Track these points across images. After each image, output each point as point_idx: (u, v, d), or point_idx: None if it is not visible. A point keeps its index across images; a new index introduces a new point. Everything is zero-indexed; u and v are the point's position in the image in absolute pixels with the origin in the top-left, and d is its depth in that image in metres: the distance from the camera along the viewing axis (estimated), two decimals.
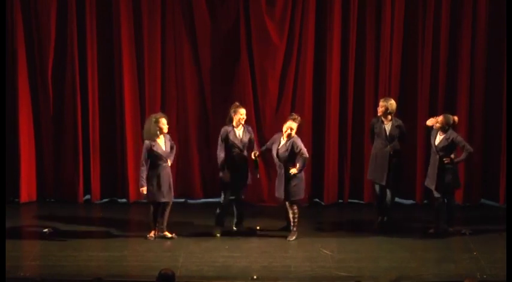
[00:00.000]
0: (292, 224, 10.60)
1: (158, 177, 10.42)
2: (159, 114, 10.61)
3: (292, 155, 10.39)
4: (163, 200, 10.50)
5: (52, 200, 12.37)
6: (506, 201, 11.89)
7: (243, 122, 10.73)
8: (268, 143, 10.73)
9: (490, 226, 11.29)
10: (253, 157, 10.61)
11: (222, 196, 10.82)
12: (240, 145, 10.68)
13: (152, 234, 10.60)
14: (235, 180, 10.73)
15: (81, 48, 11.98)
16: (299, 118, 10.54)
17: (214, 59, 12.12)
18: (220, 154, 10.68)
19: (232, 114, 10.69)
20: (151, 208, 10.56)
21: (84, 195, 12.34)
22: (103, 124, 12.21)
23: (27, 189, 12.22)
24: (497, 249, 10.21)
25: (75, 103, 12.06)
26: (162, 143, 10.47)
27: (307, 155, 10.45)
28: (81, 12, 11.89)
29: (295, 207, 10.54)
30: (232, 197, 10.88)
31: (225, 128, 10.71)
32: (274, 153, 10.48)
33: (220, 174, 10.74)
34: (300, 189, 10.52)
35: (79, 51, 11.97)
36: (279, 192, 10.52)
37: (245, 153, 10.77)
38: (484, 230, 11.08)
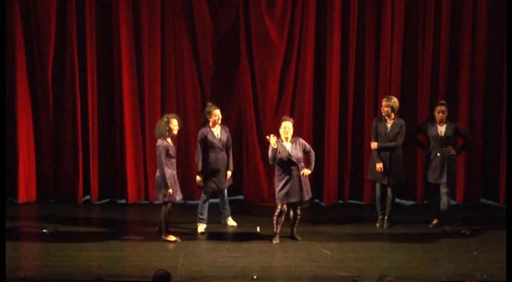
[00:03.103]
0: (296, 224, 10.64)
1: (174, 177, 10.45)
2: (172, 115, 10.59)
3: (302, 155, 10.52)
4: (178, 199, 10.56)
5: (52, 200, 12.37)
6: (506, 201, 11.89)
7: (219, 122, 10.82)
8: (271, 155, 10.39)
9: (490, 226, 11.30)
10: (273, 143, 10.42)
11: (204, 196, 10.94)
12: (219, 145, 10.78)
13: (173, 236, 10.57)
14: (215, 181, 10.84)
15: (81, 48, 11.98)
16: (291, 118, 10.59)
17: (214, 59, 12.13)
18: (199, 156, 10.80)
19: (208, 116, 10.80)
20: (168, 209, 10.48)
21: (84, 196, 12.34)
22: (102, 125, 12.20)
23: (26, 189, 12.22)
24: (497, 249, 10.21)
25: (74, 103, 12.06)
26: (171, 143, 10.48)
27: (313, 151, 10.64)
28: (80, 12, 11.89)
29: None
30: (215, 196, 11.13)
31: (201, 131, 10.81)
32: (287, 157, 10.34)
33: (202, 175, 10.84)
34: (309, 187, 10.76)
35: (79, 52, 11.97)
36: (301, 194, 10.47)
37: (225, 152, 10.87)
38: (484, 230, 11.08)
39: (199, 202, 11.00)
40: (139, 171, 12.31)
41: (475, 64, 12.04)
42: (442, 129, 10.80)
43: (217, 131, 10.85)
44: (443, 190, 10.89)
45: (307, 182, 10.57)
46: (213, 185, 10.87)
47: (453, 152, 10.82)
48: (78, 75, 12.01)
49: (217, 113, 10.80)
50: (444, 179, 10.81)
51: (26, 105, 12.10)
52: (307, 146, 10.58)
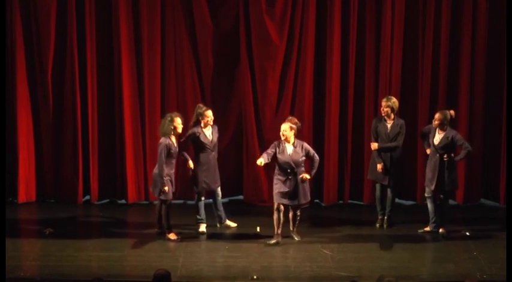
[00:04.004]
0: (296, 225, 10.59)
1: (171, 175, 10.47)
2: (175, 113, 10.61)
3: (304, 160, 10.40)
4: (171, 197, 10.57)
5: (52, 200, 12.36)
6: (506, 201, 11.89)
7: (211, 123, 10.82)
8: (269, 151, 10.42)
9: (490, 226, 11.31)
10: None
11: (197, 197, 10.95)
12: (210, 146, 10.77)
13: (174, 234, 10.59)
14: (206, 181, 10.83)
15: (81, 48, 11.98)
16: (295, 120, 10.45)
17: (214, 59, 12.13)
18: (187, 156, 10.80)
19: (200, 117, 10.78)
20: (165, 208, 10.51)
21: (84, 196, 12.34)
22: (102, 125, 12.20)
23: (26, 189, 12.22)
24: (497, 249, 10.21)
25: (74, 103, 12.06)
26: (175, 142, 10.49)
27: (318, 157, 10.52)
28: (80, 12, 11.89)
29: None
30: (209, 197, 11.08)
31: (193, 130, 10.77)
32: (285, 160, 10.32)
33: (193, 175, 10.87)
34: (309, 192, 10.61)
35: (79, 52, 11.97)
36: (297, 198, 10.38)
37: (215, 152, 10.86)
38: (484, 230, 11.09)
39: (195, 203, 11.02)
40: (139, 171, 12.31)
41: (475, 64, 12.04)
42: (438, 138, 10.73)
43: (208, 131, 10.83)
44: (426, 195, 10.90)
45: (306, 185, 10.48)
46: (204, 185, 10.87)
47: (446, 159, 10.70)
48: (78, 75, 12.01)
49: (209, 114, 10.80)
50: (433, 186, 10.77)
51: (26, 105, 12.09)
52: (311, 151, 10.47)
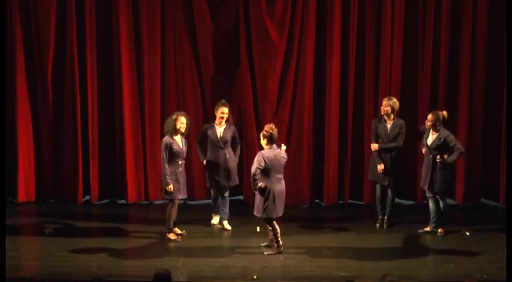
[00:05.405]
0: (273, 239, 10.14)
1: (177, 174, 10.45)
2: (181, 113, 10.64)
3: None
4: (181, 197, 10.57)
5: (51, 200, 12.36)
6: (506, 201, 11.89)
7: (223, 121, 10.86)
8: None
9: (490, 226, 11.31)
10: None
11: (212, 194, 11.21)
12: (219, 143, 10.80)
13: (174, 234, 10.60)
14: (214, 177, 10.91)
15: (81, 48, 11.98)
16: (267, 127, 9.92)
17: (214, 59, 12.13)
18: (201, 152, 11.09)
19: (215, 111, 10.93)
20: (169, 207, 10.52)
21: (84, 196, 12.34)
22: (102, 125, 12.21)
23: (26, 189, 12.22)
24: (497, 249, 10.21)
25: (74, 103, 12.06)
26: (179, 141, 10.48)
27: (253, 173, 9.74)
28: (80, 12, 11.89)
29: (272, 224, 10.03)
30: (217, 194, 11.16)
31: (205, 125, 11.06)
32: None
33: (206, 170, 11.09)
34: (265, 208, 9.88)
35: (79, 52, 11.97)
36: (254, 209, 10.11)
37: (226, 150, 10.87)
38: (484, 230, 11.09)
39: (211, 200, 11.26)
40: (139, 171, 12.31)
41: (475, 64, 12.05)
42: (431, 138, 10.72)
43: (221, 128, 10.87)
44: (427, 195, 10.90)
45: (259, 198, 9.89)
46: (212, 181, 10.91)
47: (439, 160, 10.68)
48: (78, 75, 12.01)
49: (222, 110, 10.85)
50: (426, 186, 10.78)
51: (26, 105, 12.10)
52: (254, 163, 9.77)
